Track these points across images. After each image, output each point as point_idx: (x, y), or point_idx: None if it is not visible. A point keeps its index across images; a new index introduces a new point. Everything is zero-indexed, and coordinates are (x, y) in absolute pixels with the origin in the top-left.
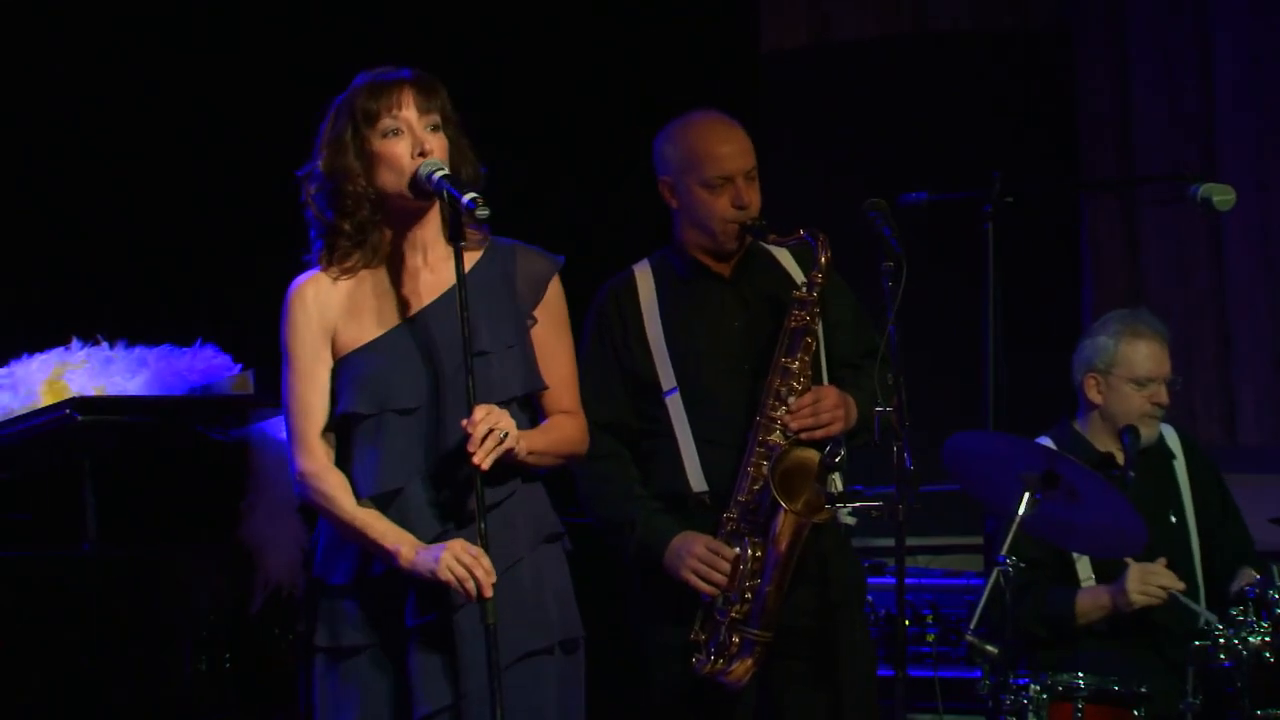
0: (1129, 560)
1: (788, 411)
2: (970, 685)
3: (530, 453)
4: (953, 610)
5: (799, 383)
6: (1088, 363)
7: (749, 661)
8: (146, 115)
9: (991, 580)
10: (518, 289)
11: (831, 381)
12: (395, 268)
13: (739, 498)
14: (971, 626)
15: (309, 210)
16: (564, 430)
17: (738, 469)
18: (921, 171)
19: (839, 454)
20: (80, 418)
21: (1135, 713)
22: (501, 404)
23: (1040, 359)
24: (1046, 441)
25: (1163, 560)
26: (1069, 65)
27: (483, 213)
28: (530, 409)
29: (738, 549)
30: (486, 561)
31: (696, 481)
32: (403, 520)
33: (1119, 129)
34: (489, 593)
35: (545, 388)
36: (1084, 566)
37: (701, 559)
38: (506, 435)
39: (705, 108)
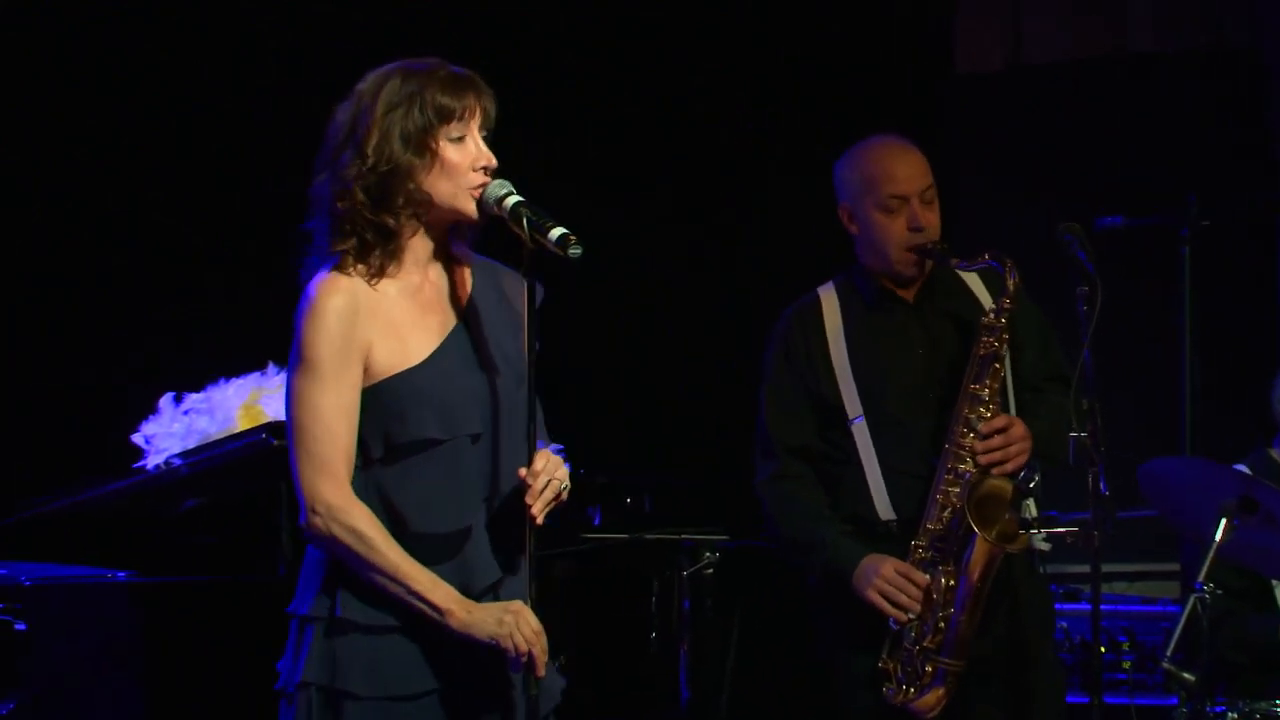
0: None
1: (977, 439)
2: (1166, 713)
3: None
4: (1149, 637)
5: (988, 409)
6: None
7: (941, 691)
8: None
9: (1188, 607)
10: (517, 312)
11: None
12: (426, 278)
13: (928, 525)
14: (1168, 654)
15: (334, 197)
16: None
17: (925, 497)
18: (1116, 194)
19: (1033, 479)
20: (276, 442)
21: None
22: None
23: (1238, 384)
24: (1243, 468)
25: None
26: (1267, 84)
27: (575, 251)
28: None
29: (929, 577)
30: (545, 640)
31: (884, 509)
32: (462, 560)
33: None
34: (541, 672)
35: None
36: None
37: (890, 581)
38: (565, 488)
39: (884, 132)
